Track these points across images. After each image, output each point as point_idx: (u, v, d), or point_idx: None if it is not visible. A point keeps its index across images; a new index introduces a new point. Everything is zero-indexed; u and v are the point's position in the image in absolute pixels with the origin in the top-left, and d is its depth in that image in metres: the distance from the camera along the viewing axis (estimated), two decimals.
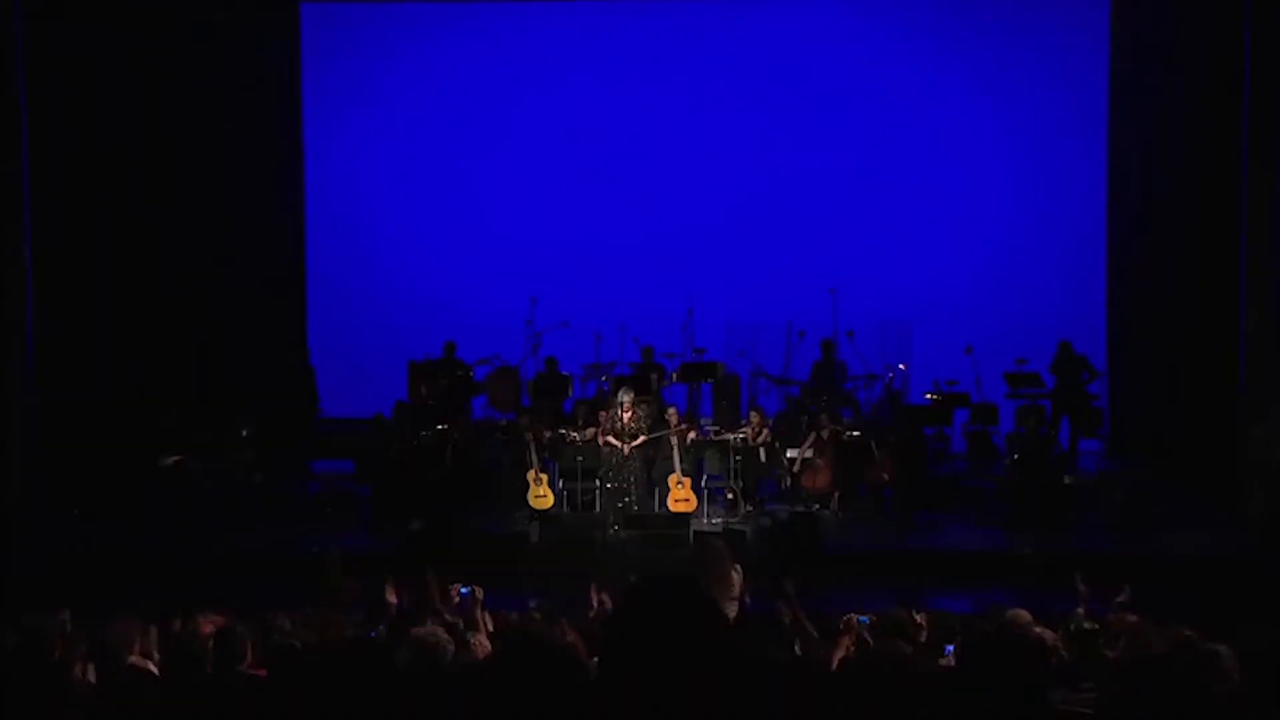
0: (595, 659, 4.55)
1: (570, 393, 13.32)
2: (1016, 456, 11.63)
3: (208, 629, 5.95)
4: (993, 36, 14.94)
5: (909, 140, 15.06)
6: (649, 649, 2.36)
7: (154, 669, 5.90)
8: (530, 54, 15.33)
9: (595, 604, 7.42)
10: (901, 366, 13.39)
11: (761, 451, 12.22)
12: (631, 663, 2.39)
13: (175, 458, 11.94)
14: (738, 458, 11.99)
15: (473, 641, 6.09)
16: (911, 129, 15.07)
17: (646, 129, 15.22)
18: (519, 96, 15.34)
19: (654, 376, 12.94)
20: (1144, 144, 13.85)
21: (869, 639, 6.09)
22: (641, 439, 11.63)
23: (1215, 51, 12.49)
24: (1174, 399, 13.02)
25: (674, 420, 11.77)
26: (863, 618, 6.38)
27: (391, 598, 7.08)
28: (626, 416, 11.66)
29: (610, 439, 11.64)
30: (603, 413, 12.08)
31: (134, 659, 5.75)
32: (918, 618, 6.65)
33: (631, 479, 11.61)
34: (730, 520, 11.60)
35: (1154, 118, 13.64)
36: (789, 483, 12.19)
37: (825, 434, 11.99)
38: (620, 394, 11.79)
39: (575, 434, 12.11)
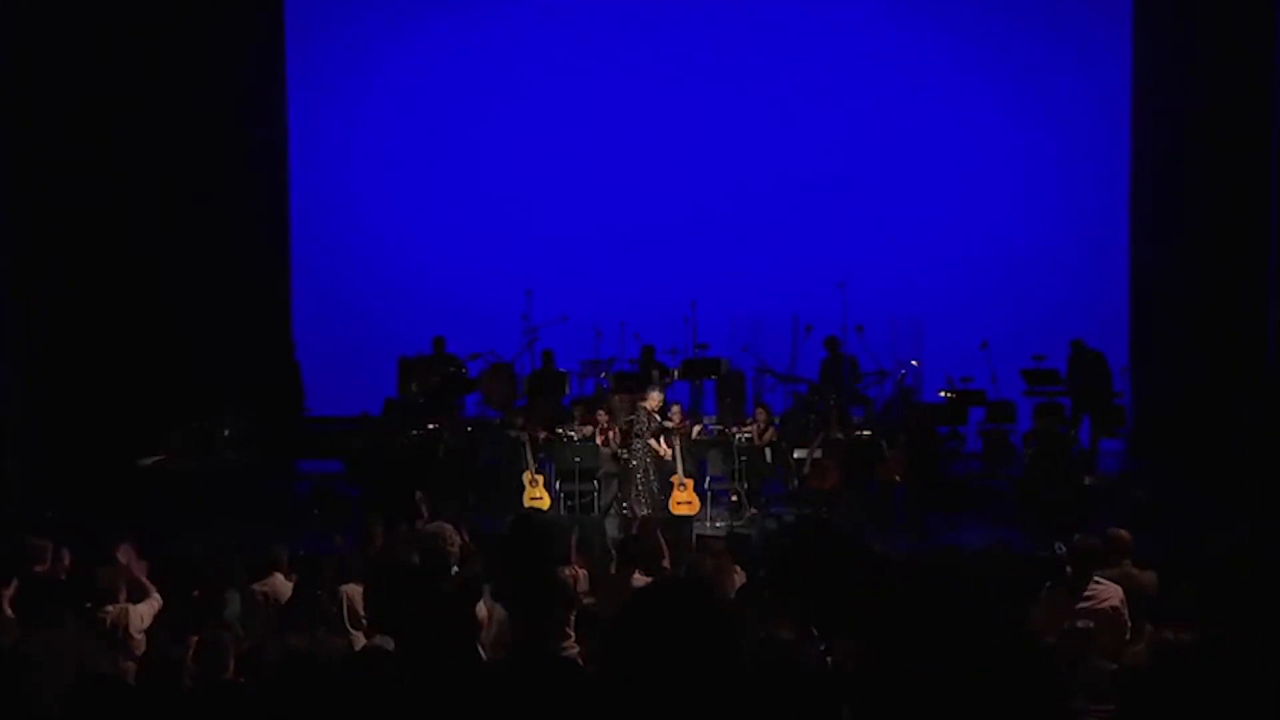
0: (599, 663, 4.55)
1: (568, 390, 13.30)
2: (1034, 455, 11.62)
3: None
4: (1009, 23, 14.93)
5: (919, 128, 15.05)
6: (656, 653, 2.36)
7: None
8: (525, 37, 15.31)
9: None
10: (914, 363, 13.38)
11: (767, 451, 12.21)
12: (637, 668, 2.39)
13: (156, 458, 11.93)
14: (742, 458, 11.96)
15: None
16: (923, 116, 15.06)
17: (647, 115, 15.20)
18: (513, 80, 15.33)
19: (655, 374, 12.92)
20: (1168, 133, 13.81)
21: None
22: (698, 429, 11.47)
23: (1241, 39, 12.48)
24: (1198, 396, 13.01)
25: (677, 419, 11.73)
26: None
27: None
28: (656, 412, 11.52)
29: (651, 441, 11.34)
30: (601, 411, 12.06)
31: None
32: None
33: (654, 482, 11.40)
34: (735, 523, 11.58)
35: (1178, 107, 13.61)
36: (796, 484, 12.18)
37: (834, 433, 11.96)
38: (650, 391, 11.61)
39: (573, 433, 12.10)
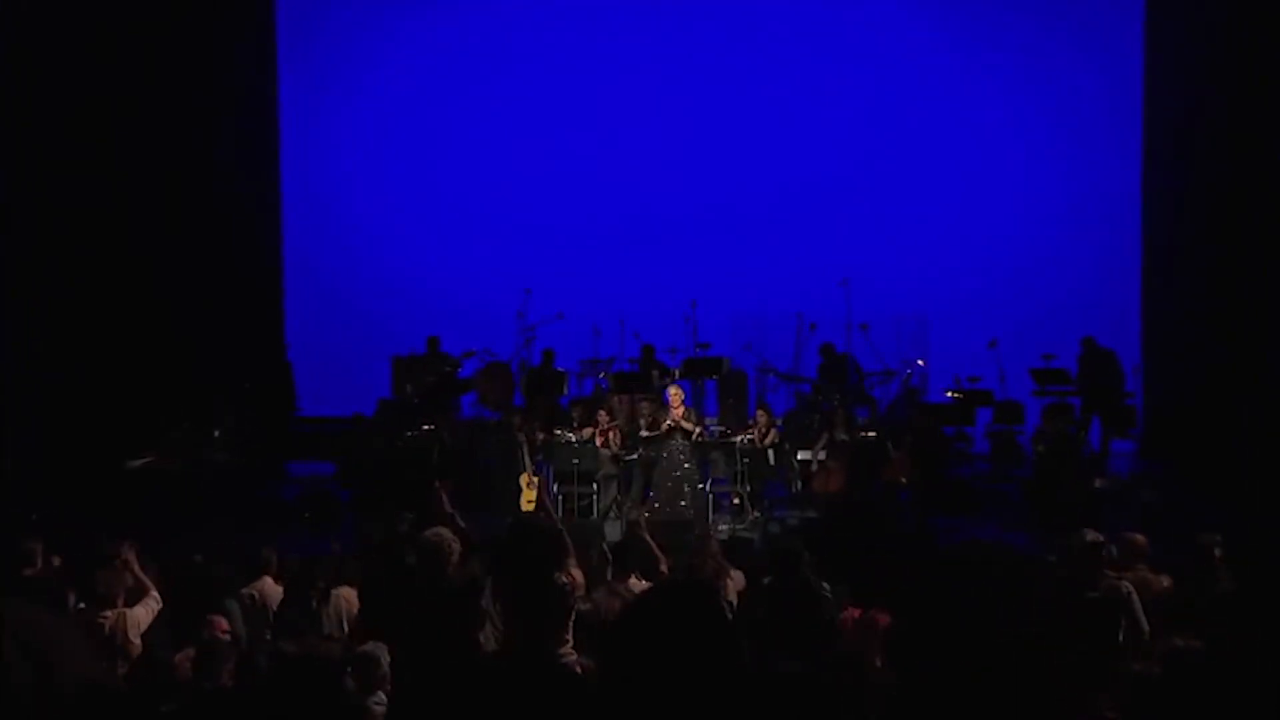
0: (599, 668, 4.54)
1: (566, 390, 13.28)
2: (1043, 456, 11.61)
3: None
4: (1018, 19, 14.93)
5: (925, 124, 15.04)
6: (656, 657, 2.36)
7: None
8: (522, 34, 15.31)
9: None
10: (920, 362, 13.37)
11: (770, 453, 12.19)
12: (637, 672, 2.38)
13: (145, 459, 11.92)
14: (745, 460, 11.94)
15: None
16: (929, 112, 15.05)
17: (647, 113, 15.19)
18: (510, 77, 15.33)
19: (655, 374, 12.92)
20: (1181, 131, 13.77)
21: None
22: (698, 430, 11.51)
23: (1254, 35, 12.47)
24: (1212, 396, 13.00)
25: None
26: None
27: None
28: (679, 414, 11.52)
29: (682, 423, 11.40)
30: (602, 412, 12.05)
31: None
32: None
33: (676, 476, 11.39)
34: (737, 526, 11.57)
35: (1190, 105, 13.58)
36: (799, 486, 12.16)
37: (839, 434, 11.94)
38: (668, 388, 11.60)
39: (571, 434, 12.09)
